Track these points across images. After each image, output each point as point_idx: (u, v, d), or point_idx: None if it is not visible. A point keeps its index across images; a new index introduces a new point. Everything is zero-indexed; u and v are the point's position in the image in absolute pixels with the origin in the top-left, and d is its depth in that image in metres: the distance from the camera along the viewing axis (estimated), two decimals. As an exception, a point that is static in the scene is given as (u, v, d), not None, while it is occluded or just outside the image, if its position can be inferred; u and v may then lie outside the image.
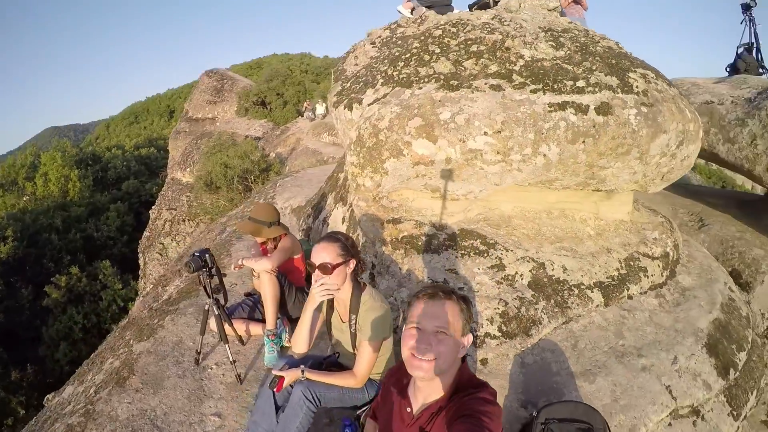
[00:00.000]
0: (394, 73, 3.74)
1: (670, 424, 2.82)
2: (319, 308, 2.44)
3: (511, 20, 3.97)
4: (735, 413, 3.16)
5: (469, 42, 3.73)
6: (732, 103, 5.61)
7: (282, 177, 8.48)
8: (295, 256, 3.60)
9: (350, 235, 3.91)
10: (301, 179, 7.79)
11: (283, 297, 3.37)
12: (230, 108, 24.53)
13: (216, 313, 2.95)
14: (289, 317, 3.49)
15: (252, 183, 13.11)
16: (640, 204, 4.44)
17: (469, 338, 1.66)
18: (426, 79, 3.52)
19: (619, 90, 3.40)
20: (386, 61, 4.03)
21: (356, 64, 4.69)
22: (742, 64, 7.16)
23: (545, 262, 3.43)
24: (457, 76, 3.48)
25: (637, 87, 3.47)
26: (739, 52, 7.34)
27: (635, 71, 3.62)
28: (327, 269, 2.24)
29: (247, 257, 3.32)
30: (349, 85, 4.20)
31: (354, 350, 2.42)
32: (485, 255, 3.42)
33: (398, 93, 3.52)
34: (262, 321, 3.42)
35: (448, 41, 3.82)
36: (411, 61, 3.77)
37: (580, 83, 3.40)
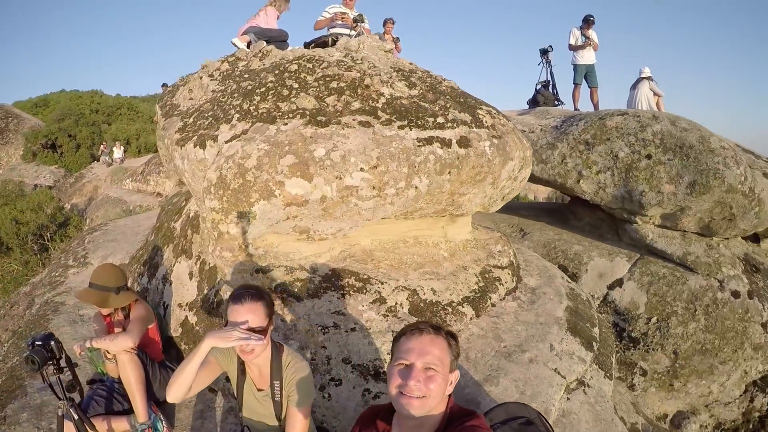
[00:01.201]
0: (251, 108, 3.46)
1: (568, 398, 3.16)
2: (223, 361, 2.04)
3: (362, 59, 4.00)
4: (608, 375, 3.68)
5: (327, 78, 3.65)
6: (541, 131, 6.49)
7: (89, 231, 7.26)
8: (150, 326, 3.03)
9: (204, 293, 3.47)
10: (113, 233, 6.74)
11: (147, 378, 2.78)
12: (15, 152, 20.95)
13: (75, 417, 2.23)
14: (156, 401, 2.88)
15: (48, 241, 11.05)
16: (476, 224, 4.86)
17: (457, 374, 1.61)
18: (290, 115, 3.32)
19: (473, 125, 3.68)
20: (237, 94, 3.74)
21: (192, 98, 4.31)
22: (541, 98, 8.50)
23: (416, 288, 3.51)
24: (323, 112, 3.36)
25: (486, 122, 3.81)
26: (537, 89, 8.78)
27: (481, 108, 4.00)
28: (260, 336, 1.88)
29: (96, 338, 2.66)
30: (192, 120, 3.79)
31: (278, 422, 2.07)
32: (364, 291, 3.35)
33: (261, 129, 3.25)
34: (124, 412, 2.76)
35: (305, 76, 3.69)
36: (268, 95, 3.54)
37: (440, 119, 3.58)
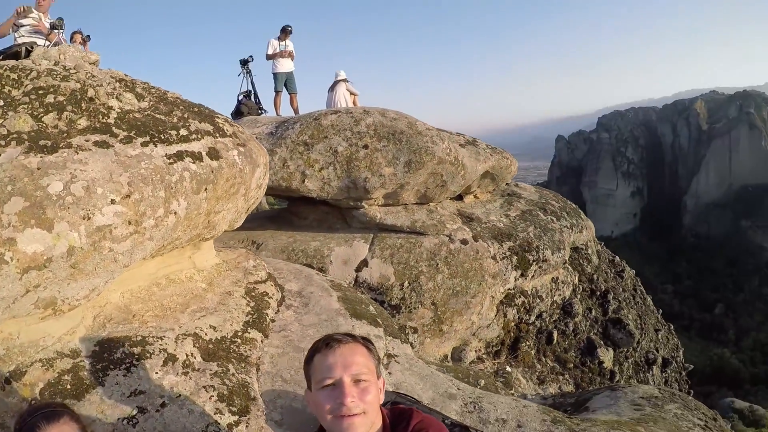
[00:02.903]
0: (-61, 140, 2.44)
1: (390, 373, 3.32)
2: None
3: (76, 68, 3.27)
4: (403, 340, 3.99)
5: (41, 91, 2.84)
6: (257, 140, 6.47)
7: None
8: None
9: None
10: None
11: None
12: None
13: None
14: None
15: None
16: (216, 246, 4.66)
17: (383, 380, 1.50)
18: (0, 143, 2.48)
19: (217, 134, 3.42)
20: None
21: None
22: (245, 108, 8.56)
23: (196, 331, 3.13)
24: (45, 134, 2.59)
25: (227, 130, 3.59)
26: (240, 99, 8.77)
27: (218, 116, 3.76)
28: None
29: None
30: None
31: None
32: (148, 355, 2.79)
33: (-41, 168, 2.32)
34: None
35: (10, 91, 2.79)
36: (-38, 119, 2.56)
37: (183, 132, 3.22)
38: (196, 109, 3.63)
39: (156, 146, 2.93)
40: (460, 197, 7.31)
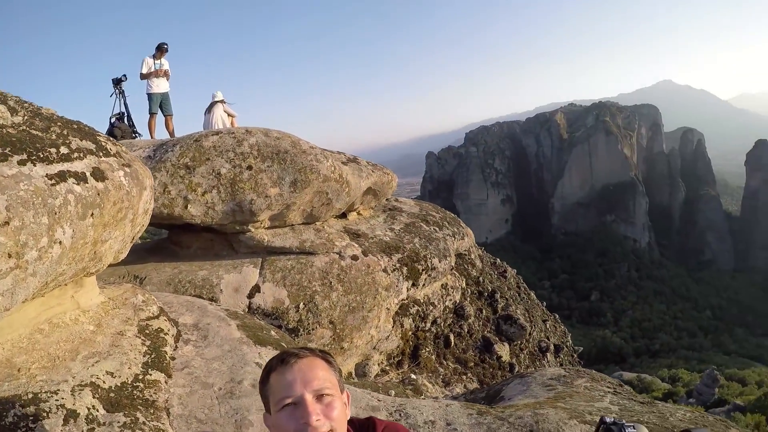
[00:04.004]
0: None
1: None
2: None
3: None
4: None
5: None
6: (134, 164, 6.03)
7: None
8: None
9: None
10: None
11: None
12: None
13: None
14: None
15: None
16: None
17: (348, 394, 1.41)
18: None
19: (101, 153, 3.18)
20: None
21: None
22: (118, 132, 7.89)
23: (93, 380, 2.91)
24: None
25: (111, 149, 3.35)
26: (112, 122, 8.04)
27: (99, 135, 3.49)
28: None
29: None
30: None
31: None
32: (47, 414, 2.53)
33: None
34: None
35: None
36: None
37: (64, 150, 2.94)
38: (75, 126, 3.34)
39: (35, 165, 2.64)
40: (344, 215, 7.40)
